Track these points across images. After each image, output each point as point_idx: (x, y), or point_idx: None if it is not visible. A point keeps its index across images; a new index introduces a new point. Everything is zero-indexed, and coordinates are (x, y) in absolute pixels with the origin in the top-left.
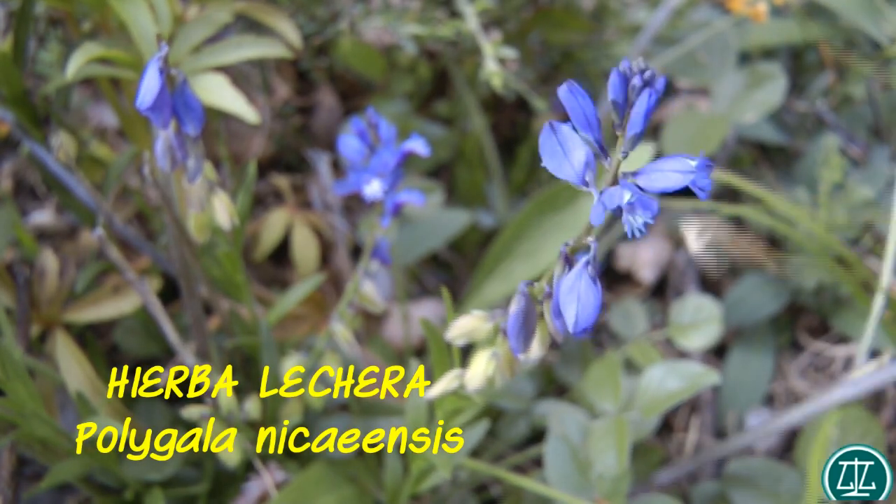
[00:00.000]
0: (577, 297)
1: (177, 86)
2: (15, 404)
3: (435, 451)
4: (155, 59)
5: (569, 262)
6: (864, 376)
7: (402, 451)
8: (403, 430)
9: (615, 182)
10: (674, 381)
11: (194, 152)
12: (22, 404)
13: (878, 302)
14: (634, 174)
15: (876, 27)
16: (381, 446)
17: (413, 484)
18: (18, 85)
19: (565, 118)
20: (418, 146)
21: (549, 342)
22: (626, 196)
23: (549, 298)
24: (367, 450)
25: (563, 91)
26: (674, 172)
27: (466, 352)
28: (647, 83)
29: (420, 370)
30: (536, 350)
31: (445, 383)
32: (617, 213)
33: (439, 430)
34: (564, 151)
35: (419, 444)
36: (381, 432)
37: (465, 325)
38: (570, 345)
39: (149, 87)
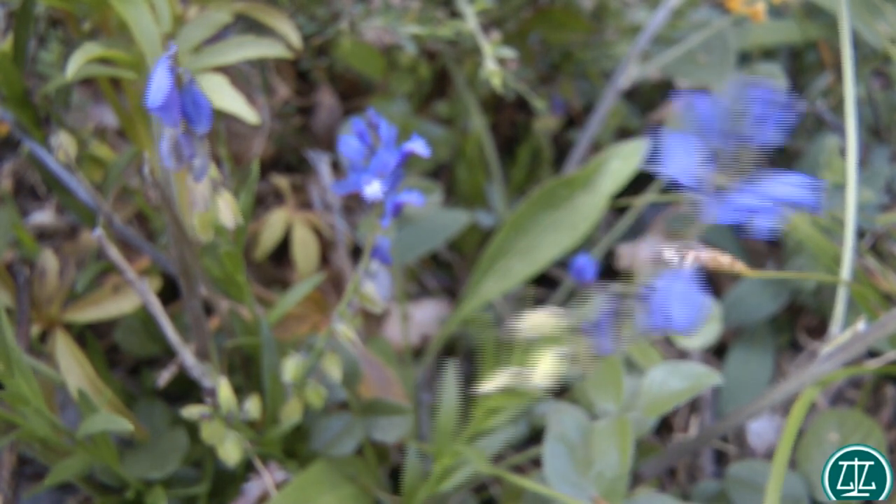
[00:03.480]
0: (684, 298)
1: (185, 84)
2: (17, 399)
3: (468, 448)
4: (164, 59)
5: (672, 264)
6: (838, 348)
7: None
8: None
9: (732, 189)
10: (676, 381)
11: (201, 151)
12: (24, 399)
13: (846, 268)
14: (752, 184)
15: (869, 30)
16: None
17: (434, 483)
18: (18, 85)
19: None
20: (418, 147)
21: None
22: (756, 200)
23: (642, 299)
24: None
25: (693, 98)
26: (792, 186)
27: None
28: (773, 102)
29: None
30: (622, 346)
31: (501, 379)
32: (739, 217)
33: (473, 428)
34: (683, 156)
35: (447, 443)
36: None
37: (536, 320)
38: None
39: (159, 86)
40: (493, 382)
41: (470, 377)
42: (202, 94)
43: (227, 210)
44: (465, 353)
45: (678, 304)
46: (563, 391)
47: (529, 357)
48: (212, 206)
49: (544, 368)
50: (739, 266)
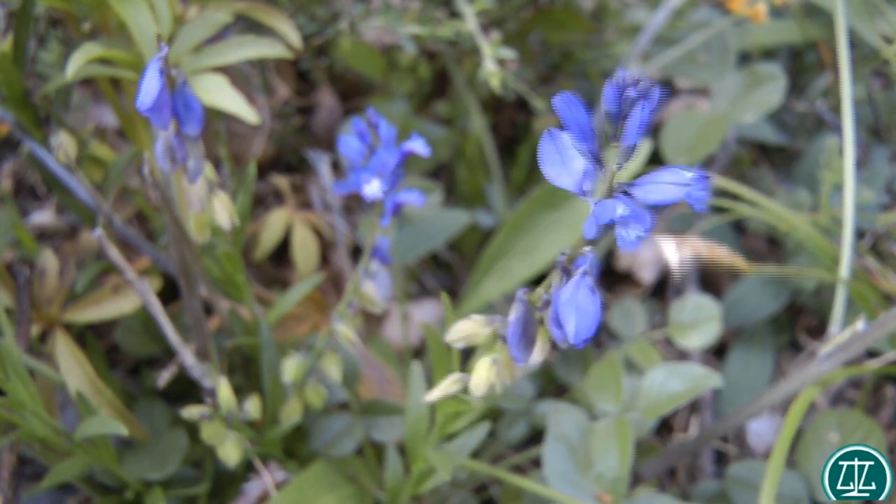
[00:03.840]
0: (576, 307)
1: (177, 86)
2: (15, 404)
3: (434, 453)
4: (155, 60)
5: (567, 271)
6: (838, 348)
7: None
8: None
9: (610, 193)
10: (676, 383)
11: (194, 153)
12: (22, 404)
13: (845, 268)
14: (630, 185)
15: (868, 30)
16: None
17: (413, 485)
18: (18, 85)
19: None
20: (418, 146)
21: (549, 349)
22: (619, 209)
23: (548, 306)
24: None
25: (557, 101)
26: (670, 185)
27: (467, 354)
28: (641, 94)
29: (419, 372)
30: (537, 357)
31: (445, 387)
32: (610, 226)
33: (439, 432)
34: (563, 160)
35: (420, 446)
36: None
37: (464, 330)
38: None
39: (149, 87)
40: (438, 390)
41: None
42: (194, 96)
43: (223, 211)
44: (464, 353)
45: (570, 314)
46: (562, 391)
47: (467, 365)
48: (208, 207)
49: (479, 376)
50: (738, 261)
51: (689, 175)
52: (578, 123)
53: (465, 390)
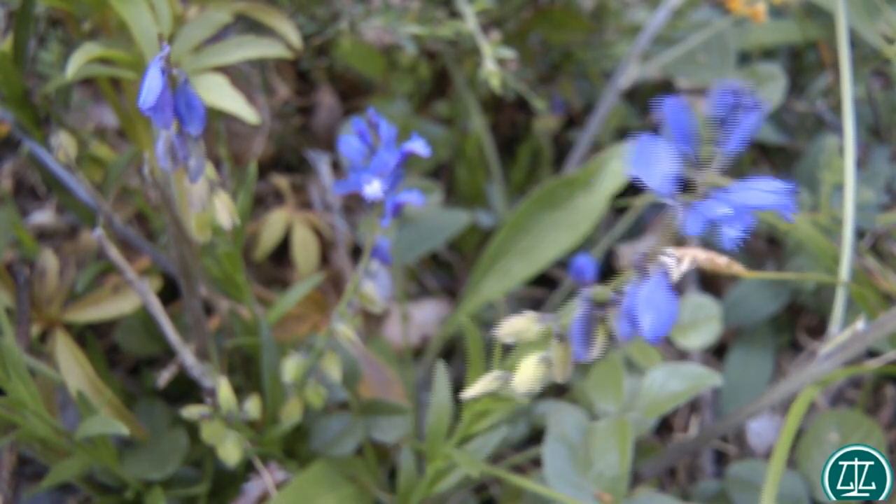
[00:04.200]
0: (654, 305)
1: (178, 86)
2: (16, 403)
3: (459, 453)
4: (157, 60)
5: (642, 270)
6: (838, 348)
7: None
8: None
9: (704, 196)
10: (676, 382)
11: (196, 152)
12: (23, 403)
13: (845, 268)
14: (726, 190)
15: (869, 30)
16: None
17: (428, 485)
18: (18, 85)
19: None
20: (419, 147)
21: (606, 346)
22: (724, 209)
23: (614, 305)
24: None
25: (668, 104)
26: (763, 192)
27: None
28: (749, 103)
29: (443, 371)
30: (596, 352)
31: (485, 384)
32: (711, 226)
33: (464, 431)
34: (653, 161)
35: (439, 446)
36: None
37: (516, 325)
38: None
39: (151, 87)
40: (477, 387)
41: (467, 378)
42: (196, 96)
43: (224, 210)
44: (464, 353)
45: (647, 312)
46: (562, 391)
47: (511, 362)
48: (209, 206)
49: (525, 374)
50: (737, 267)
51: (779, 185)
52: (682, 127)
53: (502, 388)
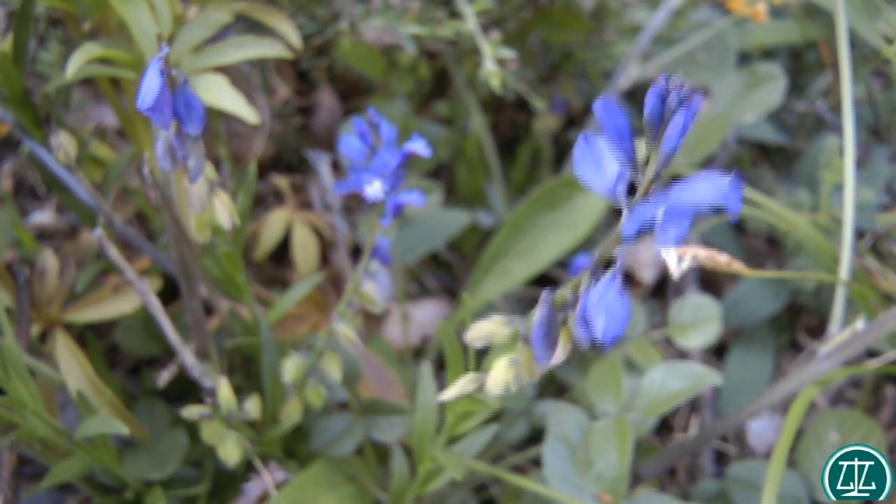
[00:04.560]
0: (605, 308)
1: (177, 86)
2: (16, 403)
3: (445, 454)
4: (155, 60)
5: (595, 273)
6: (837, 347)
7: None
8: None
9: (646, 197)
10: (675, 381)
11: (195, 152)
12: (23, 403)
13: (844, 268)
14: (666, 190)
15: (868, 30)
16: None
17: (419, 485)
18: (18, 85)
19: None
20: (419, 147)
21: (570, 349)
22: (659, 211)
23: (572, 307)
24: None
25: (598, 106)
26: (706, 191)
27: (478, 354)
28: (683, 101)
29: (428, 371)
30: (559, 356)
31: (461, 386)
32: (649, 228)
33: (448, 433)
34: (597, 164)
35: (427, 447)
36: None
37: (484, 329)
38: None
39: (149, 87)
40: (454, 389)
41: (447, 380)
42: (194, 96)
43: (224, 211)
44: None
45: (599, 314)
46: (562, 391)
47: (486, 364)
48: (208, 206)
49: (497, 376)
50: (737, 265)
51: (724, 180)
52: (617, 128)
53: (480, 390)
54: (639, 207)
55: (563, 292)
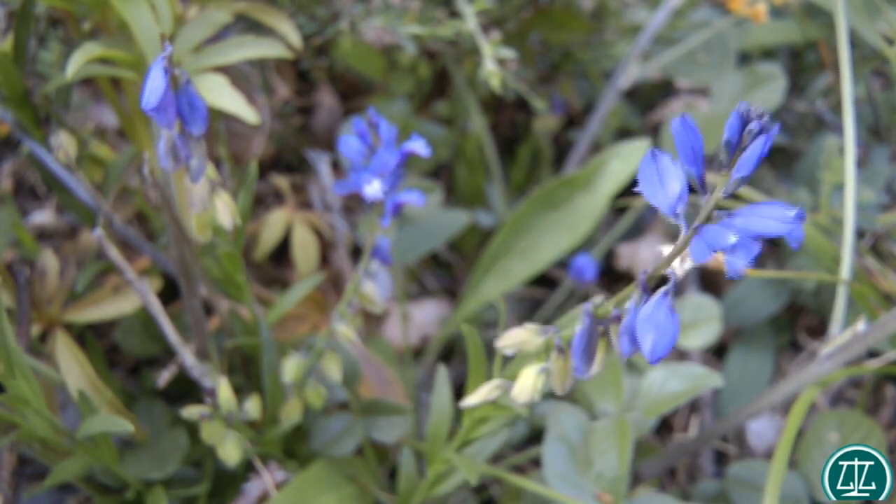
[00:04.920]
0: (655, 326)
1: (181, 86)
2: (18, 401)
3: (459, 457)
4: (159, 60)
5: (646, 289)
6: (838, 348)
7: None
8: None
9: (709, 219)
10: (675, 382)
11: (197, 152)
12: (25, 401)
13: (845, 268)
14: (731, 215)
15: (868, 29)
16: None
17: (429, 487)
18: (19, 85)
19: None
20: (419, 147)
21: (606, 361)
22: (731, 238)
23: (616, 321)
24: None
25: (675, 124)
26: (773, 220)
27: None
28: (762, 129)
29: (444, 374)
30: (596, 368)
31: (486, 392)
32: (715, 251)
33: (464, 436)
34: (661, 180)
35: (440, 449)
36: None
37: (517, 337)
38: None
39: (153, 87)
40: (477, 395)
41: (468, 384)
42: (198, 96)
43: (225, 210)
44: (464, 353)
45: (648, 332)
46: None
47: (511, 371)
48: (210, 206)
49: (525, 384)
50: None
51: (791, 213)
52: (692, 147)
53: (504, 397)
54: (707, 231)
55: (607, 306)
